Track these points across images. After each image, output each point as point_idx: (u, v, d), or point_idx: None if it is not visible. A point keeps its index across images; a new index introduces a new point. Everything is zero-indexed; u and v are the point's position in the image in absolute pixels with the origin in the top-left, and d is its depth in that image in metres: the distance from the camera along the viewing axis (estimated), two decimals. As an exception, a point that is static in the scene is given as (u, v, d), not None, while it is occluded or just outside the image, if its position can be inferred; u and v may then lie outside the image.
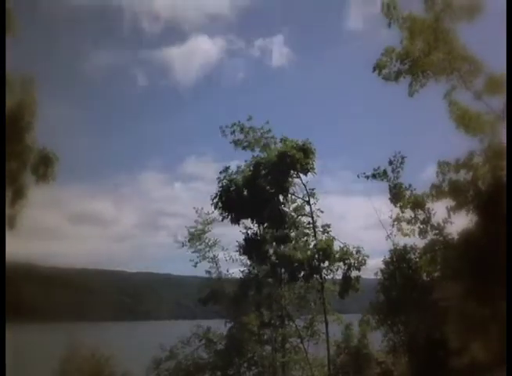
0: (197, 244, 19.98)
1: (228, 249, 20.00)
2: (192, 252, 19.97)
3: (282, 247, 19.00)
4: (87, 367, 17.88)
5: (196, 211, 19.95)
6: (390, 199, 17.50)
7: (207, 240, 20.06)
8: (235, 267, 20.08)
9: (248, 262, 19.92)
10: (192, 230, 19.99)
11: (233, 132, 19.60)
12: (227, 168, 19.63)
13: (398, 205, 17.38)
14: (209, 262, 20.04)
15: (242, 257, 19.81)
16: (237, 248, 19.61)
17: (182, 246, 19.93)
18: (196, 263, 19.97)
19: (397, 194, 17.41)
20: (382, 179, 17.81)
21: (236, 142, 19.63)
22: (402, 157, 17.77)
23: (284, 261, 18.74)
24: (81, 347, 17.97)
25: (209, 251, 20.07)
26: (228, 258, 19.96)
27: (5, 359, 11.68)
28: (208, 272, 19.97)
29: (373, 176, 17.93)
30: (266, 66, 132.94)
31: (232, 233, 20.09)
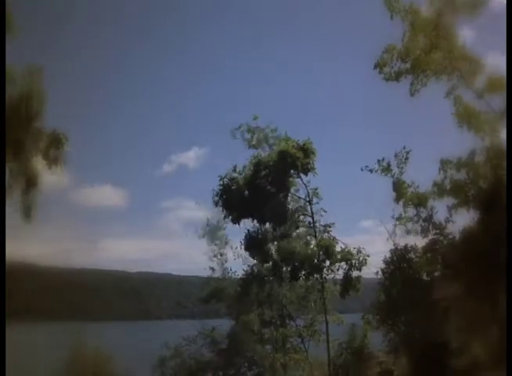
0: (213, 238, 20.15)
1: (237, 248, 20.04)
2: (209, 245, 20.11)
3: (283, 241, 19.00)
4: (87, 367, 17.85)
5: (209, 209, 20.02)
6: (393, 196, 17.48)
7: (220, 238, 20.23)
8: (238, 265, 20.19)
9: (251, 261, 19.98)
10: (208, 227, 20.12)
11: (241, 133, 19.73)
12: (235, 167, 19.71)
13: (401, 202, 17.36)
14: (218, 258, 20.17)
15: (246, 255, 19.90)
16: (242, 246, 19.65)
17: (201, 238, 20.02)
18: (211, 257, 20.07)
19: (400, 191, 17.37)
20: (386, 174, 17.75)
21: (248, 142, 19.73)
22: (407, 152, 17.73)
23: (286, 256, 18.76)
24: (81, 347, 17.94)
25: (221, 248, 20.22)
26: (237, 257, 20.05)
27: (5, 359, 11.67)
28: (212, 268, 20.06)
29: (377, 169, 17.83)
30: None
31: (237, 232, 20.20)
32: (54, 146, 13.23)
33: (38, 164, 13.15)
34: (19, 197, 12.77)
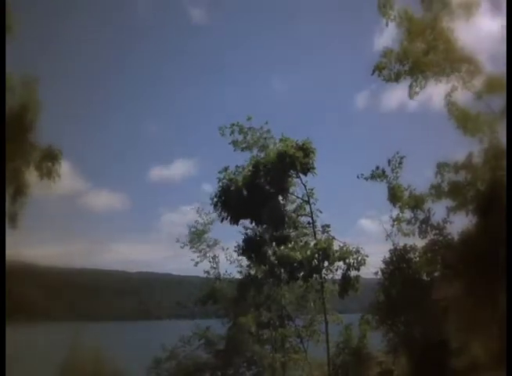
0: (198, 244, 19.97)
1: (228, 249, 20.01)
2: (194, 252, 19.96)
3: (281, 247, 18.98)
4: (87, 367, 17.86)
5: (197, 211, 19.98)
6: (389, 199, 17.56)
7: (207, 240, 20.08)
8: (234, 267, 20.11)
9: (247, 263, 19.93)
10: (194, 230, 20.01)
11: (232, 133, 19.61)
12: (226, 168, 19.66)
13: (398, 206, 17.44)
14: (209, 261, 20.05)
15: (240, 257, 19.80)
16: (236, 249, 19.63)
17: (184, 246, 19.92)
18: (197, 263, 19.95)
19: (396, 195, 17.45)
20: (382, 180, 17.84)
21: (235, 143, 19.64)
22: (401, 157, 17.83)
23: (283, 261, 18.74)
24: (81, 347, 17.95)
25: (210, 251, 20.08)
26: (229, 258, 20.00)
27: (5, 359, 11.70)
28: (207, 272, 19.98)
29: (372, 177, 17.97)
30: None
31: (232, 233, 20.15)
32: (48, 161, 13.26)
33: (30, 174, 13.18)
34: (7, 204, 12.77)
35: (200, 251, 19.98)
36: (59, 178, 13.68)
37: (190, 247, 19.91)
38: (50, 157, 13.37)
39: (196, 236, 19.93)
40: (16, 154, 12.79)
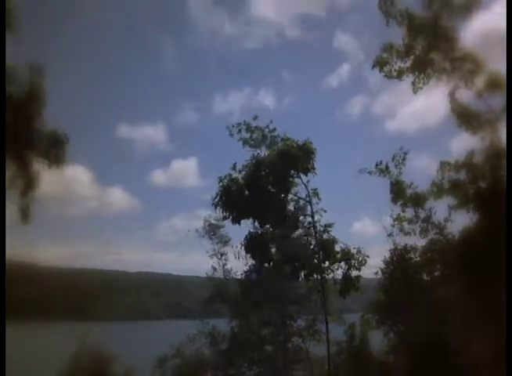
0: (214, 236, 19.94)
1: (237, 247, 19.96)
2: (210, 244, 19.88)
3: (283, 246, 18.98)
4: (87, 367, 17.86)
5: (213, 206, 19.88)
6: (392, 195, 17.53)
7: (221, 237, 20.07)
8: (238, 266, 20.12)
9: (251, 262, 19.93)
10: (208, 223, 19.93)
11: (240, 132, 19.65)
12: (235, 165, 19.69)
13: (400, 203, 17.42)
14: (218, 258, 20.04)
15: (248, 255, 19.82)
16: (243, 246, 19.61)
17: (202, 237, 19.79)
18: (211, 255, 19.79)
19: (399, 191, 17.42)
20: (384, 175, 17.82)
21: (245, 141, 19.67)
22: (405, 153, 17.82)
23: (286, 259, 18.75)
24: (81, 347, 17.94)
25: (222, 247, 20.05)
26: (237, 256, 19.97)
27: (5, 359, 11.69)
28: (214, 268, 19.96)
29: (376, 170, 17.90)
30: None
31: (238, 232, 20.16)
32: (54, 147, 13.22)
33: (39, 165, 13.14)
34: (17, 199, 12.72)
35: (217, 244, 19.88)
36: (67, 164, 13.56)
37: (208, 239, 19.79)
38: (56, 143, 13.27)
39: (212, 230, 19.89)
40: (24, 143, 12.73)
